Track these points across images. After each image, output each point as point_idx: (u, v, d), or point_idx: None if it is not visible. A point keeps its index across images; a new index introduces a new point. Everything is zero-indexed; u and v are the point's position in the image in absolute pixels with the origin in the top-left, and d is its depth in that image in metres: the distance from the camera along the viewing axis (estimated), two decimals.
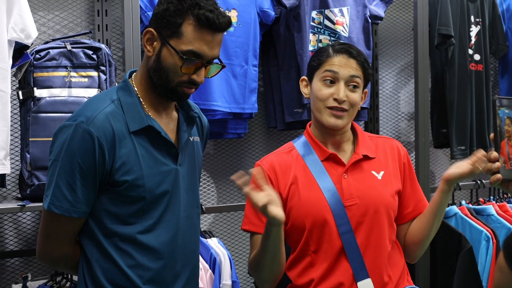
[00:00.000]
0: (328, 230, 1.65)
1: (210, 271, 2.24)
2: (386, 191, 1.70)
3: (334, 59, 1.69)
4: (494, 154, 1.23)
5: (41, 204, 1.47)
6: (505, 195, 2.98)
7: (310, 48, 2.60)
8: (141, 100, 1.51)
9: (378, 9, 2.75)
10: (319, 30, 2.63)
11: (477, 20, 3.02)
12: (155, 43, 1.47)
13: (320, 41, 2.63)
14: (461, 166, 1.62)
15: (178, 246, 1.53)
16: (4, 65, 2.05)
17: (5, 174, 2.13)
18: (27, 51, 2.13)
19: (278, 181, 1.72)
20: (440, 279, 2.70)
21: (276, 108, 2.70)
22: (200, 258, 2.16)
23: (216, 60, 1.51)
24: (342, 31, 2.65)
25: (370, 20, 2.73)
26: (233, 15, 2.46)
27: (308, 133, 1.77)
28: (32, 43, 2.15)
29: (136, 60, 2.17)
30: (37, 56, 2.10)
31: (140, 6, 2.21)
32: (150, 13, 2.24)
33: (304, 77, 1.78)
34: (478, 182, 2.85)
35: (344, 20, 2.66)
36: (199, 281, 1.97)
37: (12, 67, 2.10)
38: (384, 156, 1.76)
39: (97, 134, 1.41)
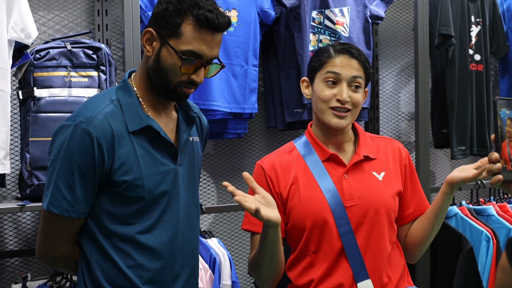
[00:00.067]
0: (328, 231, 1.65)
1: (210, 271, 2.24)
2: (387, 192, 1.70)
3: (336, 60, 1.68)
4: (495, 155, 1.23)
5: (41, 204, 1.47)
6: (506, 196, 2.98)
7: (310, 48, 2.60)
8: (141, 100, 1.51)
9: (378, 9, 2.74)
10: (319, 30, 2.63)
11: (478, 20, 3.01)
12: (154, 43, 1.47)
13: (321, 41, 2.63)
14: (465, 170, 1.62)
15: (177, 246, 1.53)
16: (4, 65, 2.05)
17: (5, 174, 2.13)
18: (27, 50, 2.13)
19: (279, 181, 1.72)
20: (440, 280, 2.70)
21: (276, 108, 2.70)
22: (200, 258, 2.16)
23: (215, 60, 1.51)
24: (343, 31, 2.65)
25: (370, 20, 2.73)
26: (233, 15, 2.45)
27: (309, 133, 1.77)
28: (32, 43, 2.15)
29: (136, 60, 2.17)
30: (37, 56, 2.10)
31: (140, 6, 2.21)
32: (150, 13, 2.24)
33: (304, 77, 1.78)
34: (479, 182, 2.85)
35: (344, 20, 2.66)
36: (199, 281, 1.96)
37: (12, 67, 2.10)
38: (385, 157, 1.75)
39: (96, 134, 1.41)
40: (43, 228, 1.48)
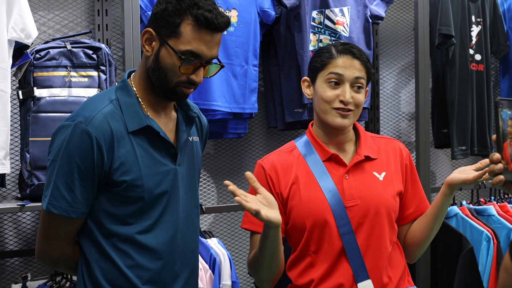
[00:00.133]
0: (328, 231, 1.65)
1: (210, 271, 2.24)
2: (388, 192, 1.70)
3: (338, 61, 1.68)
4: (496, 155, 1.23)
5: (41, 204, 1.47)
6: (506, 196, 2.97)
7: (311, 48, 2.59)
8: (140, 100, 1.51)
9: (378, 9, 2.74)
10: (319, 30, 2.63)
11: (478, 20, 3.01)
12: (153, 43, 1.47)
13: (321, 41, 2.62)
14: (465, 171, 1.62)
15: (177, 246, 1.52)
16: (4, 65, 2.05)
17: (5, 174, 2.12)
18: (27, 50, 2.13)
19: (279, 181, 1.71)
20: (440, 280, 2.70)
21: (276, 108, 2.70)
22: (200, 258, 2.16)
23: (215, 60, 1.50)
24: (343, 31, 2.65)
25: (370, 20, 2.72)
26: (233, 14, 2.45)
27: (310, 132, 1.77)
28: (32, 43, 2.15)
29: (136, 60, 2.17)
30: (37, 55, 2.10)
31: (140, 5, 2.21)
32: (150, 13, 2.23)
33: (306, 77, 1.77)
34: (479, 182, 2.84)
35: (344, 20, 2.65)
36: (199, 281, 1.96)
37: (12, 67, 2.10)
38: (386, 157, 1.75)
39: (96, 134, 1.41)
40: (43, 228, 1.48)
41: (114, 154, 1.43)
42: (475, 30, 3.00)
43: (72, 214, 1.43)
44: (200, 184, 2.73)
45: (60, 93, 2.11)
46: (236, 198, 1.46)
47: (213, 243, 2.34)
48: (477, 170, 1.60)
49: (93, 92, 2.14)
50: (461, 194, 3.32)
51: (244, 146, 2.86)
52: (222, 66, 1.54)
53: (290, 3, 2.54)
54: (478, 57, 3.00)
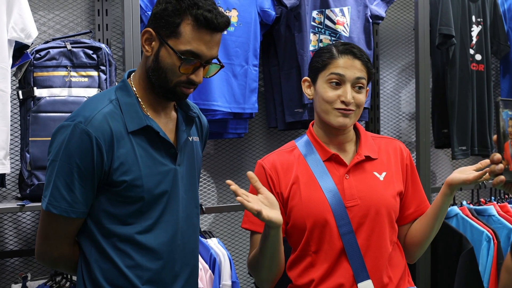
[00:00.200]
0: (328, 231, 1.65)
1: (210, 271, 2.24)
2: (388, 192, 1.70)
3: (339, 61, 1.68)
4: (497, 156, 1.23)
5: (40, 204, 1.47)
6: (506, 196, 2.97)
7: (311, 48, 2.59)
8: (140, 100, 1.51)
9: (379, 9, 2.74)
10: (319, 30, 2.62)
11: (479, 20, 3.01)
12: (153, 43, 1.47)
13: (321, 41, 2.62)
14: (465, 171, 1.62)
15: (177, 246, 1.52)
16: (4, 65, 2.05)
17: (5, 174, 2.12)
18: (27, 50, 2.12)
19: (280, 181, 1.71)
20: (441, 280, 2.70)
21: (276, 108, 2.70)
22: (200, 258, 2.16)
23: (215, 60, 1.50)
24: (343, 31, 2.65)
25: (371, 20, 2.72)
26: (233, 14, 2.45)
27: (310, 132, 1.77)
28: (32, 43, 2.14)
29: (136, 60, 2.17)
30: (37, 55, 2.10)
31: (140, 5, 2.20)
32: (150, 13, 2.23)
33: (306, 77, 1.77)
34: (479, 182, 2.84)
35: (345, 20, 2.65)
36: (199, 281, 1.96)
37: (12, 67, 2.10)
38: (387, 157, 1.75)
39: (95, 134, 1.40)
40: (42, 228, 1.48)
41: (113, 154, 1.43)
42: (475, 30, 2.99)
43: (72, 214, 1.43)
44: (200, 184, 2.73)
45: (60, 93, 2.11)
46: (238, 198, 1.46)
47: (213, 243, 2.34)
48: (477, 170, 1.60)
49: (93, 92, 2.14)
50: (461, 194, 3.32)
51: (244, 146, 2.86)
52: (222, 66, 1.53)
53: (290, 3, 2.53)
54: (478, 57, 3.00)
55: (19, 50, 2.13)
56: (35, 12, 2.38)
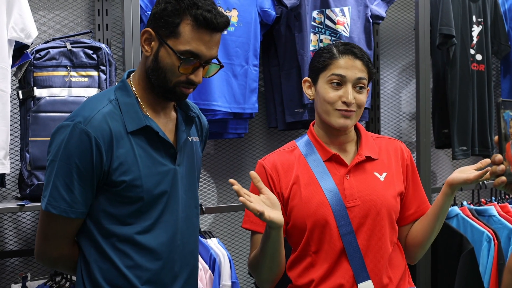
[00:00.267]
0: (329, 231, 1.65)
1: (209, 271, 2.24)
2: (388, 193, 1.69)
3: (340, 61, 1.68)
4: (498, 156, 1.23)
5: (40, 203, 1.46)
6: (507, 196, 2.97)
7: (311, 48, 2.59)
8: (139, 100, 1.51)
9: (379, 9, 2.74)
10: (320, 30, 2.62)
11: (479, 20, 3.01)
12: (153, 43, 1.46)
13: (321, 41, 2.62)
14: (466, 171, 1.61)
15: (176, 247, 1.52)
16: (4, 65, 2.05)
17: (4, 174, 2.12)
18: (27, 50, 2.12)
19: (280, 181, 1.71)
20: (441, 280, 2.70)
21: (276, 108, 2.70)
22: (200, 258, 2.16)
23: (214, 60, 1.50)
24: (343, 31, 2.64)
25: (371, 20, 2.72)
26: (233, 14, 2.45)
27: (311, 132, 1.76)
28: (32, 43, 2.14)
29: (136, 60, 2.16)
30: (37, 55, 2.10)
31: (140, 5, 2.20)
32: (150, 13, 2.23)
33: (307, 78, 1.77)
34: (480, 183, 2.84)
35: (345, 20, 2.65)
36: (199, 281, 1.96)
37: (12, 67, 2.10)
38: (387, 157, 1.75)
39: (95, 135, 1.40)
40: (42, 228, 1.48)
41: (113, 154, 1.42)
42: (476, 30, 2.99)
43: (71, 214, 1.43)
44: (200, 184, 2.73)
45: (60, 93, 2.11)
46: (240, 198, 1.46)
47: (213, 243, 2.34)
48: (477, 169, 1.59)
49: (93, 92, 2.14)
50: (462, 194, 3.31)
51: (244, 146, 2.86)
52: (222, 66, 1.53)
53: (291, 3, 2.53)
54: (479, 57, 3.00)
55: (19, 50, 2.13)
56: (35, 12, 2.38)
